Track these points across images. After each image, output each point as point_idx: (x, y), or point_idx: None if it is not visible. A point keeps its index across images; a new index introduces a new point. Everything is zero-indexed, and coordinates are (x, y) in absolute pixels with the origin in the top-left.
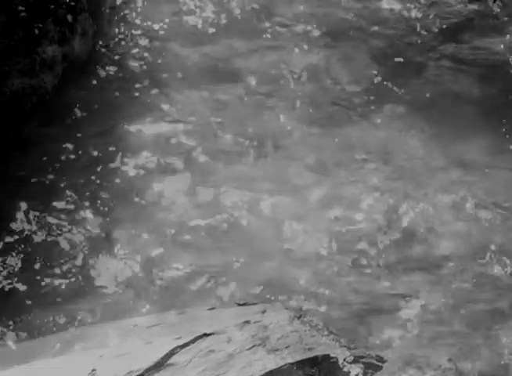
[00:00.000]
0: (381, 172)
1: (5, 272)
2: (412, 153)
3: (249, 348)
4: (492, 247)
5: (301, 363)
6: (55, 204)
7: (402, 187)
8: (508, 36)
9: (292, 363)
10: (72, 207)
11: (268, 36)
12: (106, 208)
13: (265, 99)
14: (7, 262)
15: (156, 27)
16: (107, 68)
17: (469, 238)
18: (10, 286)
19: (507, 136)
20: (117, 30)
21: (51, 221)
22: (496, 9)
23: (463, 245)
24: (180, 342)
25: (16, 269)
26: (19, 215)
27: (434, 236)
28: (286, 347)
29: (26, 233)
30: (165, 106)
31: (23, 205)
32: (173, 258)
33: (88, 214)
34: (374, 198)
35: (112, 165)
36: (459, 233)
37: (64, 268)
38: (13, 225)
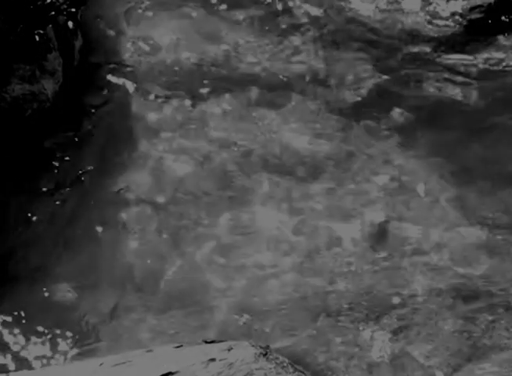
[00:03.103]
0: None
1: None
2: (411, 164)
3: None
4: None
5: None
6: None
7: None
8: (509, 46)
9: None
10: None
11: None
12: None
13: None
14: None
15: (162, 31)
16: (110, 72)
17: None
18: None
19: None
20: (120, 32)
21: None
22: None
23: None
24: None
25: None
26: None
27: None
28: None
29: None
30: (173, 113)
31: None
32: None
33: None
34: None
35: (115, 170)
36: None
37: None
38: None
